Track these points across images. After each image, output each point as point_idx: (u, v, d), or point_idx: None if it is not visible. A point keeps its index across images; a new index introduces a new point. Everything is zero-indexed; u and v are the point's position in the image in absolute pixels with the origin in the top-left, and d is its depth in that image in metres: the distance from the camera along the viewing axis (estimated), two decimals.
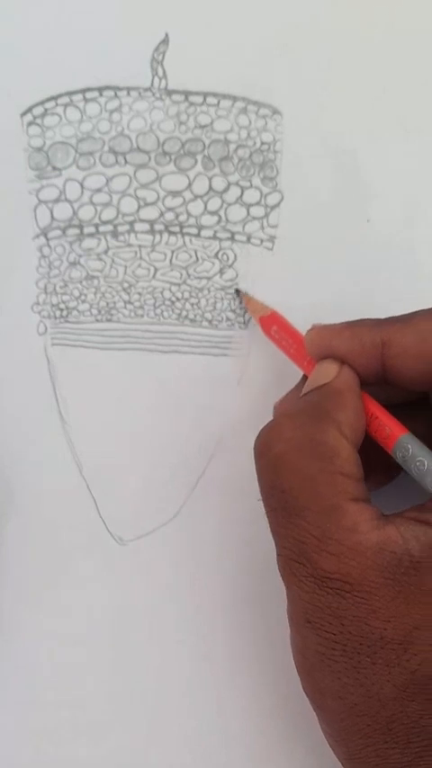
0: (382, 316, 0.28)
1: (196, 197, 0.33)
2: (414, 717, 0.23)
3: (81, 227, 0.33)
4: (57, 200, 0.33)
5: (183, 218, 0.33)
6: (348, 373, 0.28)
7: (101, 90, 0.33)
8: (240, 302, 0.33)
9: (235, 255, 0.33)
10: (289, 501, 0.25)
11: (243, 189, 0.33)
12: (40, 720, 0.32)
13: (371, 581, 0.24)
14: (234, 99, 0.33)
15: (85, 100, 0.33)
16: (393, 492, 0.29)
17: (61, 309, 0.33)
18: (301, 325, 0.31)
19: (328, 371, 0.28)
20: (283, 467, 0.26)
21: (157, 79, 0.33)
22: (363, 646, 0.24)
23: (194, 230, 0.33)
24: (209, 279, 0.33)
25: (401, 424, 0.27)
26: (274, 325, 0.31)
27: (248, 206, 0.33)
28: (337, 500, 0.25)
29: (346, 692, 0.24)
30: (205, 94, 0.33)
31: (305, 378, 0.30)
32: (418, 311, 0.27)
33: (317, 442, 0.26)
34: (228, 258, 0.33)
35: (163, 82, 0.33)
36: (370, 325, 0.28)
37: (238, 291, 0.33)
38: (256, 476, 0.27)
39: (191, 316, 0.33)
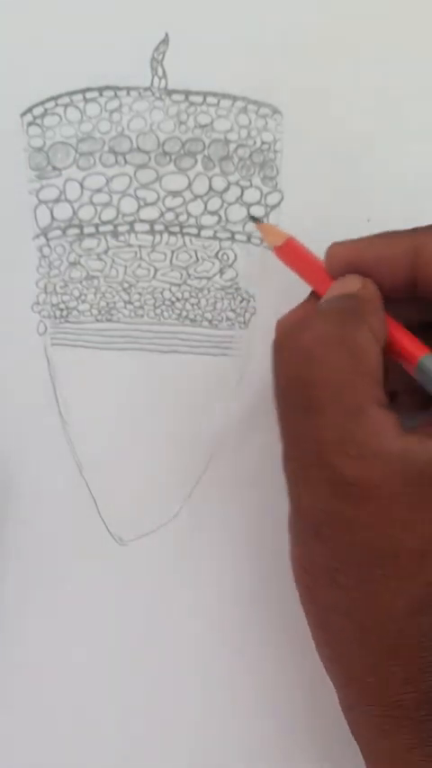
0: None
1: (196, 197, 0.33)
2: (423, 631, 0.23)
3: (81, 227, 0.33)
4: (57, 201, 0.33)
5: (183, 218, 0.33)
6: (373, 286, 0.27)
7: (101, 90, 0.33)
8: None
9: (235, 255, 0.33)
10: (312, 397, 0.24)
11: (243, 189, 0.33)
12: (39, 720, 0.32)
13: (392, 488, 0.23)
14: (234, 98, 0.33)
15: (86, 100, 0.33)
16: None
17: (61, 309, 0.33)
18: None
19: (351, 284, 0.27)
20: (310, 359, 0.24)
21: (157, 79, 0.33)
22: (377, 557, 0.23)
23: (194, 230, 0.33)
24: (209, 279, 0.33)
25: (423, 345, 0.26)
26: (290, 251, 0.30)
27: (249, 206, 0.33)
28: (363, 401, 0.24)
29: (354, 607, 0.23)
30: (205, 94, 0.33)
31: (313, 294, 0.29)
32: None
33: (350, 339, 0.24)
34: (228, 258, 0.33)
35: (163, 82, 0.33)
36: (401, 234, 0.27)
37: (253, 218, 0.32)
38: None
39: (191, 316, 0.33)
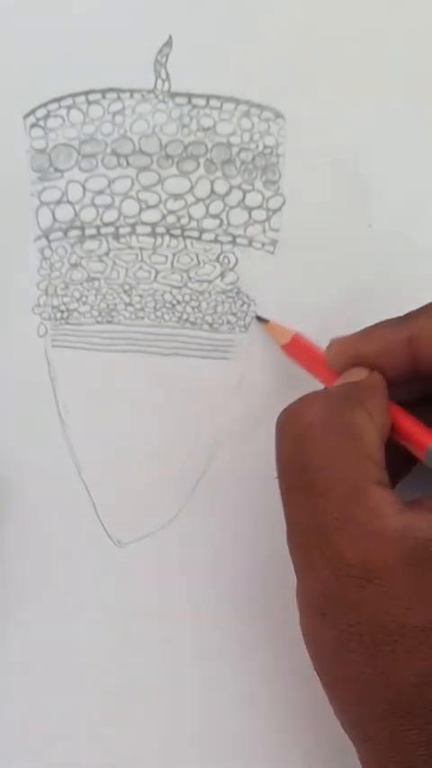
0: (384, 319, 0.28)
1: (198, 200, 0.33)
2: None
3: (83, 228, 0.33)
4: (59, 202, 0.33)
5: (184, 221, 0.33)
6: (377, 376, 0.27)
7: (104, 92, 0.33)
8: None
9: (236, 259, 0.33)
10: (311, 478, 0.24)
11: (245, 192, 0.33)
12: (38, 721, 0.32)
13: (393, 567, 0.23)
14: (237, 102, 0.33)
15: (88, 102, 0.33)
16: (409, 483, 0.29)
17: (62, 311, 0.33)
18: (302, 330, 0.31)
19: (357, 374, 0.28)
20: (308, 442, 0.25)
21: (160, 82, 0.33)
22: (382, 635, 0.23)
23: (196, 233, 0.33)
24: (210, 282, 0.33)
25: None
26: (296, 347, 0.31)
27: (250, 209, 0.33)
28: (362, 482, 0.24)
29: (364, 680, 0.24)
30: (208, 97, 0.33)
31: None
32: None
33: (346, 422, 0.25)
34: (229, 261, 0.33)
35: (166, 84, 0.33)
36: (393, 324, 0.27)
37: (260, 318, 0.33)
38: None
39: (191, 319, 0.33)
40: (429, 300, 0.28)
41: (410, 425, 0.28)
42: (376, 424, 0.26)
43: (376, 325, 0.28)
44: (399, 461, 0.28)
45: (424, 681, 0.23)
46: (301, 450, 0.25)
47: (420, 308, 0.27)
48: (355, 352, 0.28)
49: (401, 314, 0.28)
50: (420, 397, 0.29)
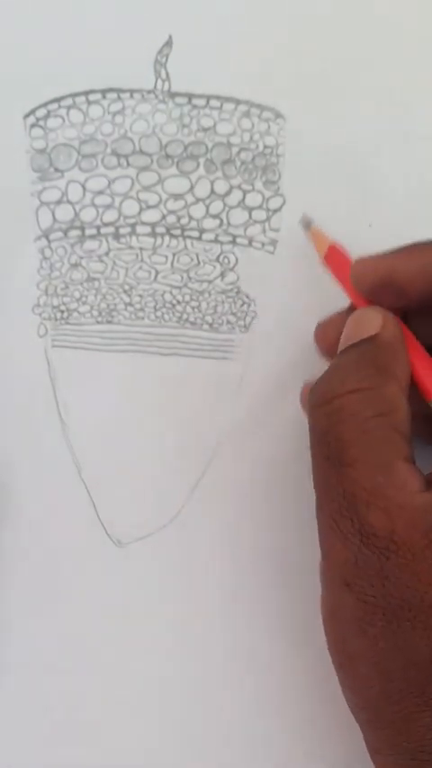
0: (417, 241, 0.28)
1: (198, 200, 0.33)
2: None
3: (83, 228, 0.33)
4: (59, 202, 0.33)
5: (184, 221, 0.33)
6: (395, 324, 0.27)
7: (104, 92, 0.33)
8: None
9: (236, 259, 0.33)
10: (344, 451, 0.25)
11: (245, 192, 0.33)
12: (38, 721, 0.32)
13: (415, 541, 0.23)
14: (237, 102, 0.33)
15: (88, 102, 0.33)
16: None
17: (62, 311, 0.33)
18: (302, 330, 0.31)
19: (372, 321, 0.27)
20: (343, 415, 0.25)
21: (160, 82, 0.33)
22: (404, 609, 0.24)
23: (196, 233, 0.33)
24: (210, 282, 0.33)
25: None
26: (332, 258, 0.30)
27: (250, 209, 0.33)
28: (391, 456, 0.25)
29: (382, 657, 0.24)
30: (208, 97, 0.33)
31: (352, 306, 0.29)
32: None
33: (380, 396, 0.25)
34: (229, 261, 0.33)
35: (166, 84, 0.33)
36: (429, 244, 0.27)
37: (306, 221, 0.31)
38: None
39: (191, 319, 0.33)
40: None
41: (426, 374, 0.27)
42: (405, 390, 0.26)
43: (413, 244, 0.27)
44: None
45: None
46: (336, 425, 0.25)
47: None
48: (389, 272, 0.27)
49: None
50: None
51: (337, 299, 0.33)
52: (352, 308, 0.29)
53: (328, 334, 0.30)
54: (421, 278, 0.27)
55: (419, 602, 0.23)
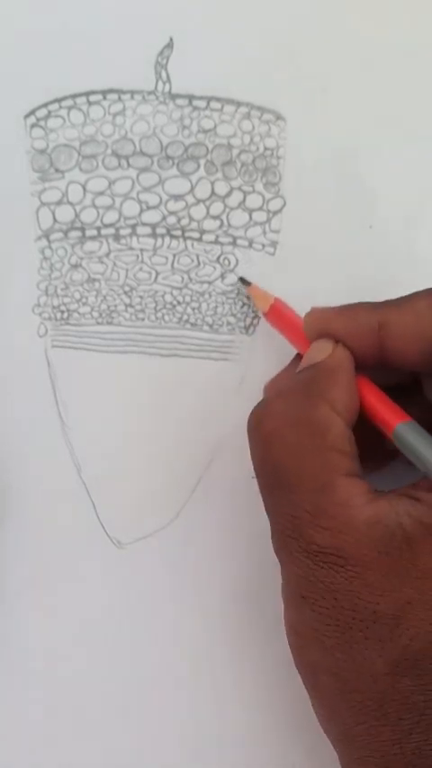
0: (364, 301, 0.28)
1: (198, 201, 0.33)
2: (405, 693, 0.23)
3: (83, 229, 0.33)
4: (59, 203, 0.33)
5: (185, 222, 0.33)
6: (342, 352, 0.28)
7: (105, 93, 0.33)
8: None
9: (236, 260, 0.33)
10: (281, 477, 0.25)
11: (245, 194, 0.33)
12: (38, 721, 0.32)
13: (364, 554, 0.24)
14: (238, 104, 0.33)
15: (89, 103, 0.33)
16: (388, 477, 0.29)
17: (62, 312, 0.33)
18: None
19: (322, 350, 0.28)
20: (274, 443, 0.26)
21: (160, 83, 0.33)
22: (355, 620, 0.24)
23: (196, 234, 0.33)
24: (210, 283, 0.33)
25: (402, 410, 0.27)
26: (277, 313, 0.31)
27: (251, 211, 0.33)
28: (328, 476, 0.25)
29: (339, 667, 0.24)
30: (209, 99, 0.33)
31: (297, 356, 0.30)
32: (415, 292, 0.27)
33: (308, 418, 0.26)
34: (229, 263, 0.33)
35: (167, 86, 0.33)
36: (367, 308, 0.28)
37: (243, 280, 0.33)
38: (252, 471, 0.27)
39: (192, 320, 0.33)
40: None
41: (379, 406, 0.27)
42: (340, 411, 0.26)
43: (354, 304, 0.28)
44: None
45: (394, 671, 0.23)
46: (270, 451, 0.26)
47: (397, 299, 0.28)
48: (327, 326, 0.28)
49: None
50: (395, 384, 0.29)
51: (337, 299, 0.33)
52: (299, 358, 0.30)
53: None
54: (353, 337, 0.28)
55: (371, 614, 0.24)
